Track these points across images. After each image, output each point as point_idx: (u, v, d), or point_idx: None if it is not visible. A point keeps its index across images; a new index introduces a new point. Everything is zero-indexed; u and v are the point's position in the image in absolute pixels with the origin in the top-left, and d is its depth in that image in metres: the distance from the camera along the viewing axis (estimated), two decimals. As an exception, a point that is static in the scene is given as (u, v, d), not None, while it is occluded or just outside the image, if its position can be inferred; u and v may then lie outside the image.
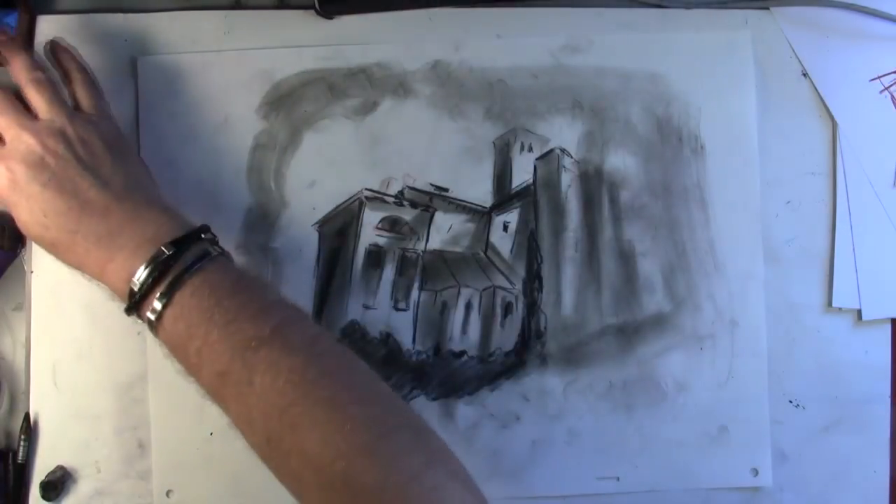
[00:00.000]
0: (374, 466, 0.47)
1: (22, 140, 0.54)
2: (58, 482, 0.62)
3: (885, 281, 0.67)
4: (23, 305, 0.65)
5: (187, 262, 0.52)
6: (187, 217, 0.56)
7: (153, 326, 0.53)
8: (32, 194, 0.53)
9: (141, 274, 0.52)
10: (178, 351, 0.53)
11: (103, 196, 0.54)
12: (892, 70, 0.67)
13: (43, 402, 0.64)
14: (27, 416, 0.64)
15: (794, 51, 0.67)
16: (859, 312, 0.67)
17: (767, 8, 0.67)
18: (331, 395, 0.49)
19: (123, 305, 0.53)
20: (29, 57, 0.58)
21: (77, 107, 0.59)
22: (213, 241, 0.55)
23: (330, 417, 0.48)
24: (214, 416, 0.64)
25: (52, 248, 0.55)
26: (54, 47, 0.61)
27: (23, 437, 0.63)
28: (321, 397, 0.49)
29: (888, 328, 0.67)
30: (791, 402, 0.66)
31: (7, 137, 0.55)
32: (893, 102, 0.67)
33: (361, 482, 0.46)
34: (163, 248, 0.52)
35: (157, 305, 0.51)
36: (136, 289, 0.52)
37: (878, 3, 0.66)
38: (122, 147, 0.58)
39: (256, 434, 0.51)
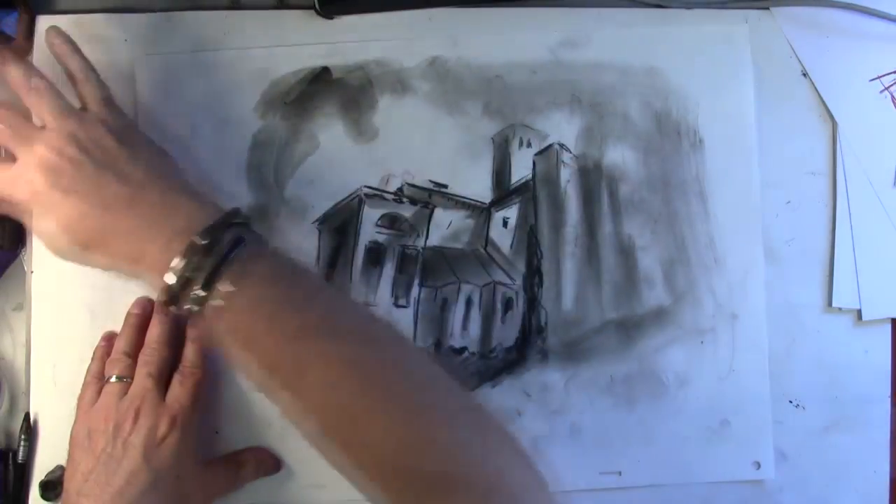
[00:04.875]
0: (437, 454, 0.47)
1: (34, 152, 0.53)
2: (57, 482, 0.62)
3: (885, 281, 0.67)
4: (23, 305, 0.65)
5: (223, 251, 0.50)
6: (216, 200, 0.54)
7: (194, 320, 0.51)
8: (55, 202, 0.52)
9: (176, 267, 0.50)
10: (223, 345, 0.52)
11: (125, 190, 0.52)
12: (892, 70, 0.67)
13: (43, 402, 0.64)
14: (27, 416, 0.64)
15: (793, 51, 0.67)
16: (859, 312, 0.67)
17: (767, 8, 0.67)
18: (387, 384, 0.49)
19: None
20: (26, 65, 0.56)
21: (84, 105, 0.57)
22: (247, 225, 0.53)
23: (388, 407, 0.48)
24: (218, 415, 0.64)
25: (84, 253, 0.53)
26: (53, 46, 0.59)
27: (23, 437, 0.63)
28: (379, 387, 0.48)
29: (888, 328, 0.67)
30: (791, 402, 0.66)
31: (18, 152, 0.54)
32: (893, 102, 0.67)
33: (425, 471, 0.46)
34: (195, 239, 0.50)
35: (196, 300, 0.50)
36: (171, 283, 0.50)
37: (878, 3, 0.66)
38: (135, 139, 0.57)
39: (312, 426, 0.50)
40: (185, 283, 0.50)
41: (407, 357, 0.51)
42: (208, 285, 0.49)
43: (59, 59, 0.59)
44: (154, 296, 0.52)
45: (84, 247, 0.53)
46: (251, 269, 0.50)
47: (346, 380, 0.48)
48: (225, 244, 0.50)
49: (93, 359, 0.63)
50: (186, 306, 0.50)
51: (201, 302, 0.50)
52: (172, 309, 0.51)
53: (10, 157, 0.55)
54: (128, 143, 0.55)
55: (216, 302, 0.50)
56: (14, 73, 0.56)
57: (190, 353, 0.62)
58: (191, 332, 0.63)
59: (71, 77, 0.59)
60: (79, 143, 0.53)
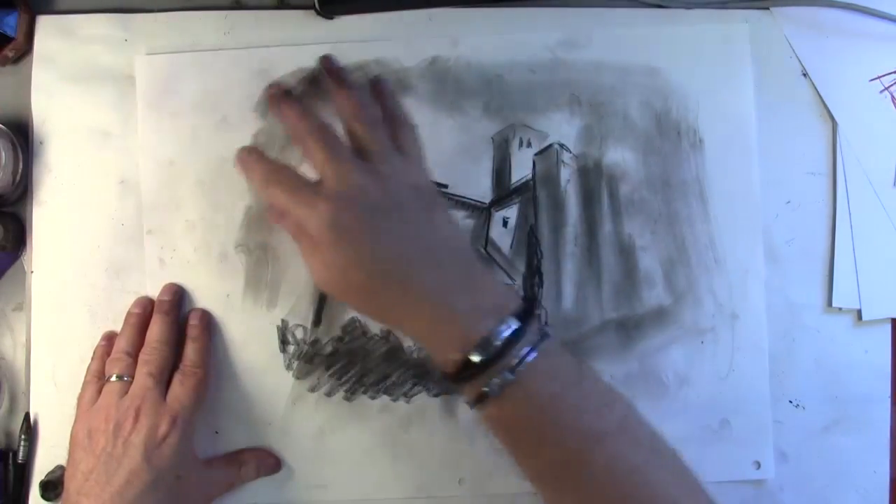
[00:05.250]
0: None
1: (345, 180, 0.49)
2: (58, 482, 0.62)
3: (885, 281, 0.67)
4: (23, 305, 0.65)
5: (532, 340, 0.48)
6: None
7: (478, 403, 0.49)
8: (353, 235, 0.48)
9: (479, 347, 0.47)
10: (507, 430, 0.51)
11: (430, 246, 0.50)
12: (892, 70, 0.67)
13: (43, 402, 0.64)
14: (27, 416, 0.64)
15: (793, 51, 0.67)
16: (859, 312, 0.66)
17: (767, 8, 0.67)
18: (674, 497, 0.48)
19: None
20: (355, 92, 0.54)
21: (397, 149, 0.53)
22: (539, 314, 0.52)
23: None
24: (218, 415, 0.64)
25: (363, 295, 0.50)
26: (376, 86, 0.57)
27: (23, 437, 0.63)
28: (666, 498, 0.48)
29: (888, 328, 0.67)
30: (791, 401, 0.66)
31: (327, 175, 0.50)
32: (893, 102, 0.67)
33: None
34: (508, 324, 0.48)
35: (494, 386, 0.48)
36: (476, 361, 0.47)
37: (878, 3, 0.66)
38: (440, 200, 0.54)
39: None
40: (483, 366, 0.48)
41: (687, 472, 0.50)
42: (512, 374, 0.48)
43: (380, 98, 0.56)
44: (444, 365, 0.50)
45: (366, 293, 0.50)
46: (554, 365, 0.49)
47: (635, 487, 0.48)
48: (532, 334, 0.49)
49: (93, 358, 0.63)
50: (476, 390, 0.48)
51: (498, 393, 0.48)
52: (454, 386, 0.50)
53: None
54: (439, 202, 0.53)
55: (513, 392, 0.48)
56: (342, 95, 0.54)
57: (190, 352, 0.62)
58: (192, 332, 0.63)
59: (391, 118, 0.55)
60: (387, 183, 0.50)
